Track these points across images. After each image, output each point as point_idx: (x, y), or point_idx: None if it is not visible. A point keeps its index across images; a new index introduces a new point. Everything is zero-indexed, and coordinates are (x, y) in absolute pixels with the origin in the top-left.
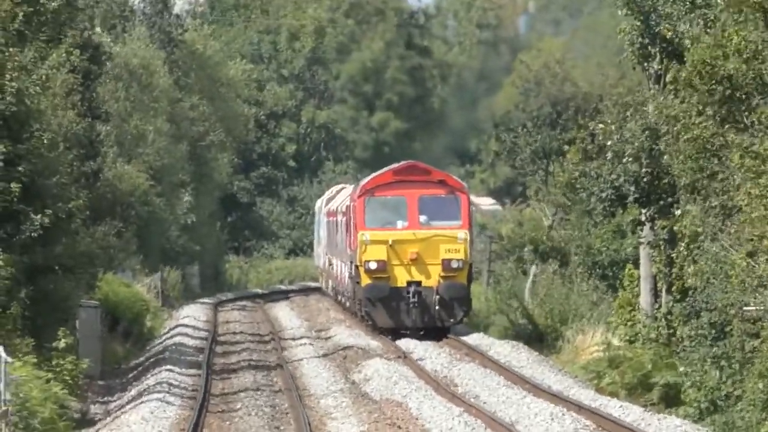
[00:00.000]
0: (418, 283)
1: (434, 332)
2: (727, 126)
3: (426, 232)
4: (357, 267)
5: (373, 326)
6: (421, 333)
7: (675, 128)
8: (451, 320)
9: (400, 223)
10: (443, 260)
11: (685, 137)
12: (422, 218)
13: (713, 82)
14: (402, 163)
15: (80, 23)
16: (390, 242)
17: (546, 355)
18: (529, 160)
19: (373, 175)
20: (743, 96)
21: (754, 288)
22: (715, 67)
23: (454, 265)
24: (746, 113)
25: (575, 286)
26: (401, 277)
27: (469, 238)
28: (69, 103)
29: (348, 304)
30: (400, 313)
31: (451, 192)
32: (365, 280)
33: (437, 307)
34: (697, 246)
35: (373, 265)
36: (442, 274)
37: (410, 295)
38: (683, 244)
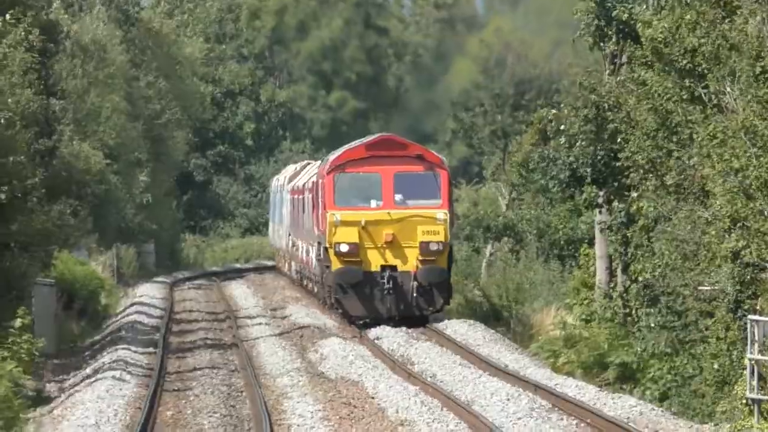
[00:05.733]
0: (394, 268)
1: (411, 321)
2: (685, 98)
3: (402, 212)
4: (326, 250)
5: (343, 315)
6: (397, 321)
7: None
8: (431, 308)
9: (373, 203)
10: (421, 243)
11: (647, 107)
12: (398, 197)
13: (675, 54)
14: (376, 135)
15: (39, 2)
16: (363, 223)
17: (503, 333)
18: (487, 140)
19: (344, 148)
20: (704, 71)
21: (724, 259)
22: (675, 41)
23: (433, 247)
24: (705, 89)
25: (531, 264)
26: (375, 261)
27: (449, 219)
28: (26, 82)
29: (316, 289)
30: (374, 300)
31: (429, 168)
32: (335, 265)
33: (414, 295)
34: (652, 228)
35: (344, 248)
36: (420, 257)
37: (385, 280)
38: (638, 229)
